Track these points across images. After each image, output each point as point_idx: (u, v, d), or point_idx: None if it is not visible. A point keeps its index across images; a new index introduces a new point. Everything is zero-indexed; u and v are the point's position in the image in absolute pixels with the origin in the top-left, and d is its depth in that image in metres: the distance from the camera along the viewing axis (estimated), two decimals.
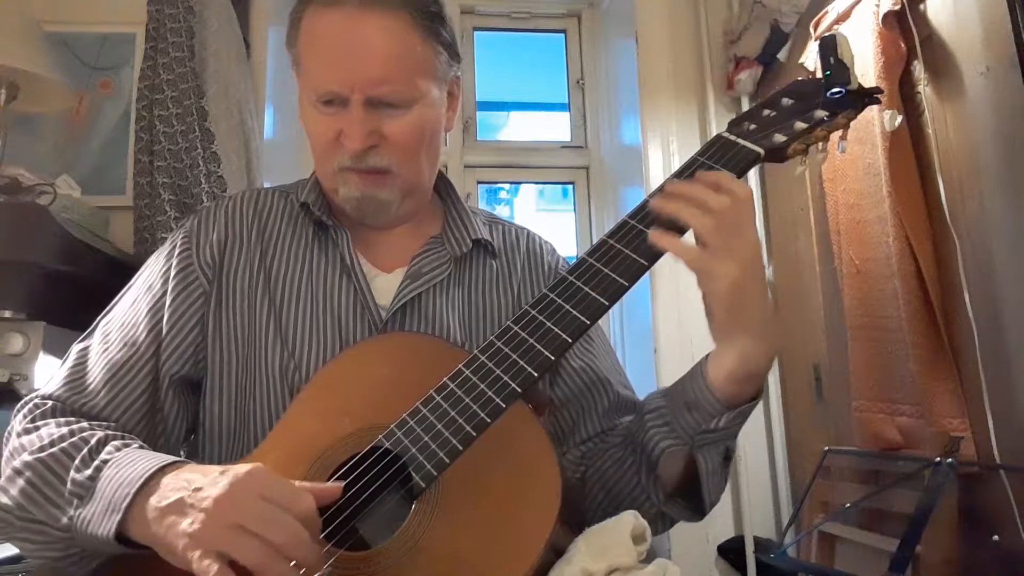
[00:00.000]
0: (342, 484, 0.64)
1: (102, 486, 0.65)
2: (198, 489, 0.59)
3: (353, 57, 0.79)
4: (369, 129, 0.81)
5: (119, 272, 1.48)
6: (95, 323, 0.86)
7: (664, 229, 0.73)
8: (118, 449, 0.69)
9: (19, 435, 0.74)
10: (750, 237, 0.72)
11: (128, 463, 0.66)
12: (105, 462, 0.67)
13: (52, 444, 0.70)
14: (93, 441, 0.70)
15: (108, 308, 0.87)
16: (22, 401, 0.79)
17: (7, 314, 1.31)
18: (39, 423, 0.74)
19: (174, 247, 0.87)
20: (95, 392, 0.78)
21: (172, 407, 0.82)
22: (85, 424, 0.74)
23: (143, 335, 0.82)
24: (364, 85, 0.79)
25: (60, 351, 1.31)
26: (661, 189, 0.77)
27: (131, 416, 0.79)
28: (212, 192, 1.75)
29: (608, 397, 0.89)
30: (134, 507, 0.62)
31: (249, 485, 0.58)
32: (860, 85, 0.81)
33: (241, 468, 0.60)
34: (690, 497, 0.80)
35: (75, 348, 0.84)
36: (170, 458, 0.66)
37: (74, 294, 1.42)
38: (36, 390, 0.80)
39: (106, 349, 0.81)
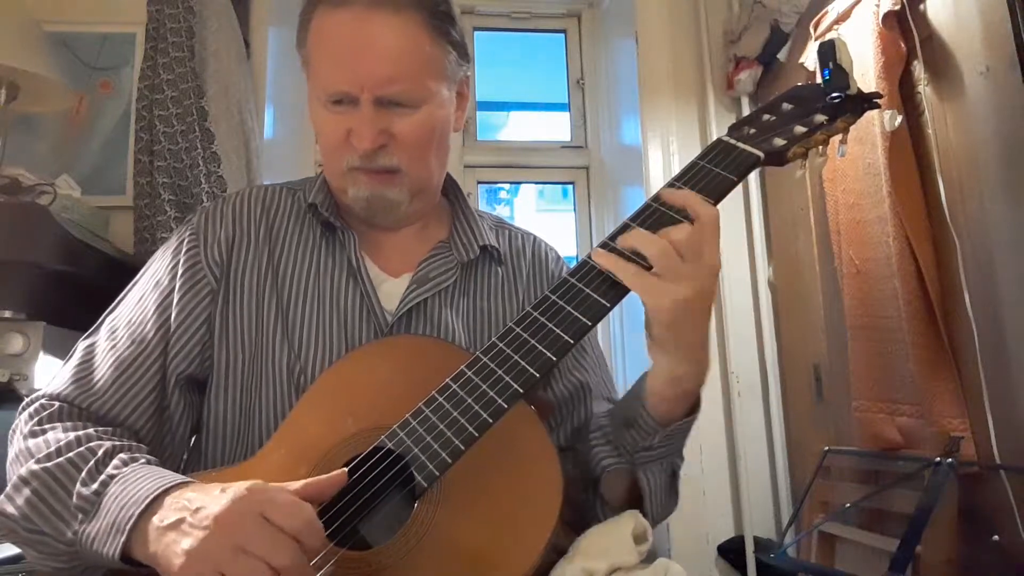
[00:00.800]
0: (346, 471, 0.64)
1: (107, 503, 0.65)
2: (198, 509, 0.59)
3: (362, 56, 0.79)
4: (379, 128, 0.81)
5: (119, 272, 1.48)
6: (100, 319, 0.85)
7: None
8: (124, 464, 0.68)
9: (25, 437, 0.73)
10: (707, 261, 0.70)
11: (134, 481, 0.65)
12: (112, 477, 0.67)
13: (59, 453, 0.70)
14: (100, 453, 0.69)
15: (114, 304, 0.86)
16: (27, 400, 0.78)
17: (7, 314, 1.31)
18: (46, 426, 0.73)
19: (181, 243, 0.86)
20: (103, 390, 0.77)
21: (178, 406, 0.82)
22: (92, 432, 0.73)
23: (151, 332, 0.81)
24: (373, 84, 0.79)
25: (60, 351, 1.32)
26: (661, 194, 0.77)
27: (140, 415, 0.78)
28: (212, 192, 1.75)
29: (583, 414, 0.90)
30: (138, 527, 0.62)
31: (249, 504, 0.58)
32: (859, 90, 0.81)
33: (241, 485, 0.59)
34: None
35: (80, 345, 0.83)
36: (176, 478, 0.66)
37: (74, 294, 1.42)
38: (36, 390, 0.80)
39: (113, 346, 0.81)
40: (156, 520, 0.61)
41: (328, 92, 0.82)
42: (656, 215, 0.74)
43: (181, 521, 0.59)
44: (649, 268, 0.70)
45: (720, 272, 0.73)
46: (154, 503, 0.63)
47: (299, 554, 0.56)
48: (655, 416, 0.75)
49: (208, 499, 0.59)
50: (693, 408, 0.77)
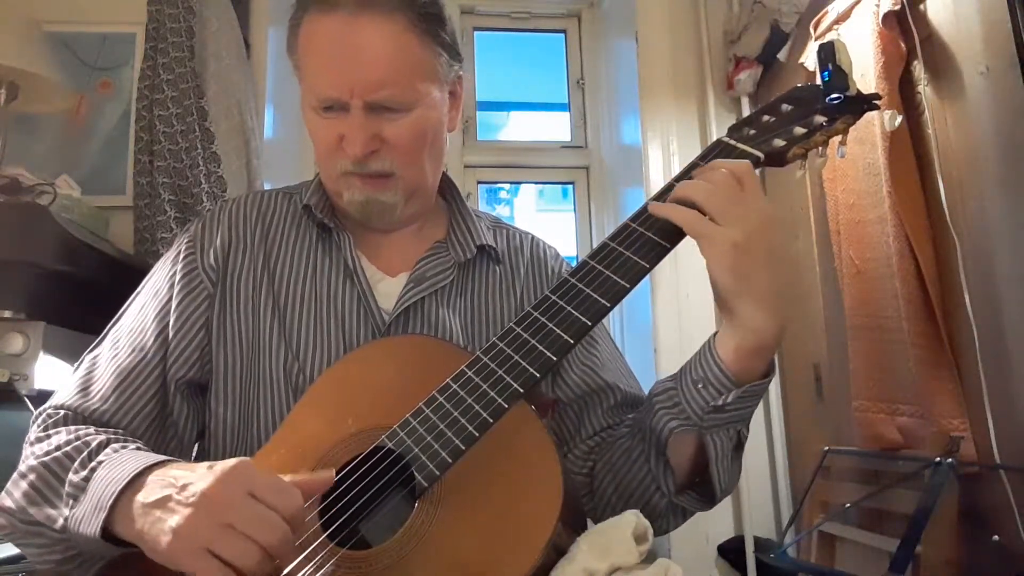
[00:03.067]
0: (332, 471, 0.64)
1: (93, 486, 0.66)
2: (185, 486, 0.59)
3: (351, 62, 0.79)
4: (370, 134, 0.81)
5: (119, 272, 1.49)
6: (105, 331, 0.86)
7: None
8: (115, 451, 0.69)
9: (31, 444, 0.75)
10: (755, 205, 0.71)
11: (119, 463, 0.66)
12: (100, 463, 0.67)
13: (57, 448, 0.71)
14: (94, 444, 0.70)
15: (117, 315, 0.88)
16: (37, 411, 0.79)
17: (7, 314, 1.31)
18: (51, 432, 0.75)
19: (179, 252, 0.87)
20: (104, 398, 0.79)
21: (181, 411, 0.83)
22: (90, 430, 0.74)
23: (151, 340, 0.82)
24: (363, 90, 0.79)
25: (60, 351, 1.32)
26: (662, 192, 0.77)
27: (141, 421, 0.79)
28: (212, 192, 1.75)
29: (614, 397, 0.89)
30: (119, 505, 0.62)
31: (236, 481, 0.58)
32: (859, 91, 0.81)
33: (228, 463, 0.59)
34: (701, 486, 0.79)
35: (86, 356, 0.84)
36: (160, 457, 0.66)
37: (74, 294, 1.42)
38: (36, 390, 0.81)
39: (115, 355, 0.82)
40: (140, 497, 0.61)
41: (319, 98, 0.81)
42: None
43: (167, 499, 0.59)
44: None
45: (775, 221, 0.72)
46: (137, 480, 0.63)
47: (287, 532, 0.56)
48: (730, 373, 0.71)
49: (194, 476, 0.59)
50: (769, 370, 0.74)
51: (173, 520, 0.57)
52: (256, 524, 0.56)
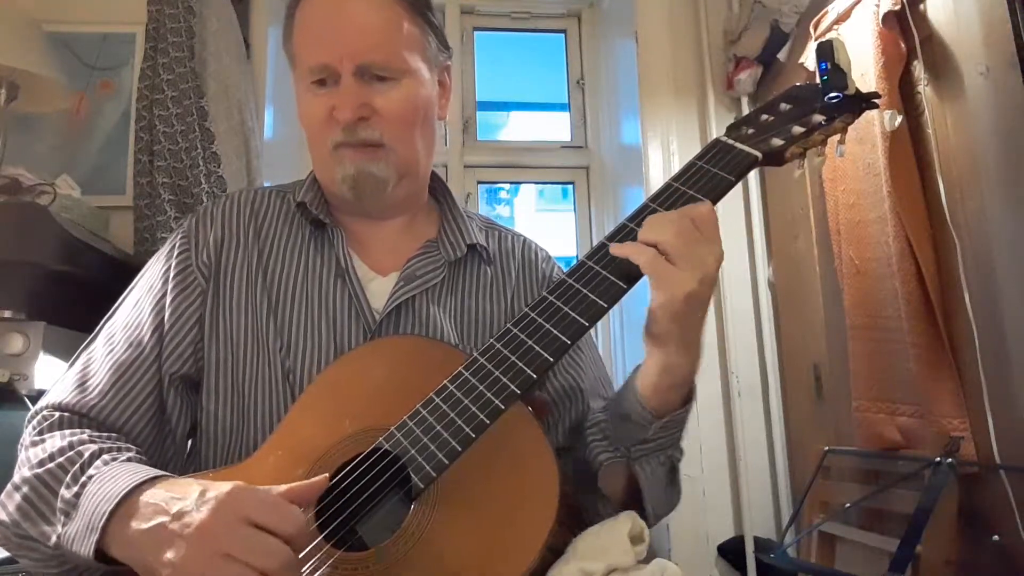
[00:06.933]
0: (326, 476, 0.64)
1: (84, 503, 0.65)
2: (180, 514, 0.58)
3: (341, 29, 0.82)
4: (360, 101, 0.82)
5: (119, 272, 1.48)
6: (98, 328, 0.86)
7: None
8: (106, 464, 0.68)
9: (26, 448, 0.74)
10: (715, 251, 0.70)
11: (109, 479, 0.65)
12: (91, 478, 0.67)
13: (51, 459, 0.70)
14: (86, 455, 0.69)
15: (111, 311, 0.87)
16: (32, 411, 0.79)
17: (7, 314, 1.31)
18: (45, 436, 0.74)
19: (173, 248, 0.87)
20: (103, 393, 0.78)
21: (175, 407, 0.82)
22: (85, 436, 0.73)
23: (147, 335, 0.82)
24: (353, 54, 0.81)
25: (60, 351, 1.32)
26: (661, 191, 0.77)
27: (139, 418, 0.79)
28: (212, 192, 1.75)
29: (577, 414, 0.90)
30: (112, 525, 0.62)
31: (233, 509, 0.57)
32: (858, 90, 0.81)
33: (223, 489, 0.58)
34: (638, 511, 0.79)
35: (81, 353, 0.83)
36: (149, 472, 0.66)
37: (74, 294, 1.42)
38: (36, 390, 0.80)
39: (111, 351, 0.81)
40: (135, 524, 0.60)
41: (310, 68, 0.84)
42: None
43: (162, 527, 0.58)
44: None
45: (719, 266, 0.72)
46: (127, 501, 0.62)
47: (290, 555, 0.56)
48: (649, 408, 0.74)
49: (189, 503, 0.59)
50: (688, 398, 0.76)
51: (171, 553, 0.57)
52: (255, 551, 0.55)
